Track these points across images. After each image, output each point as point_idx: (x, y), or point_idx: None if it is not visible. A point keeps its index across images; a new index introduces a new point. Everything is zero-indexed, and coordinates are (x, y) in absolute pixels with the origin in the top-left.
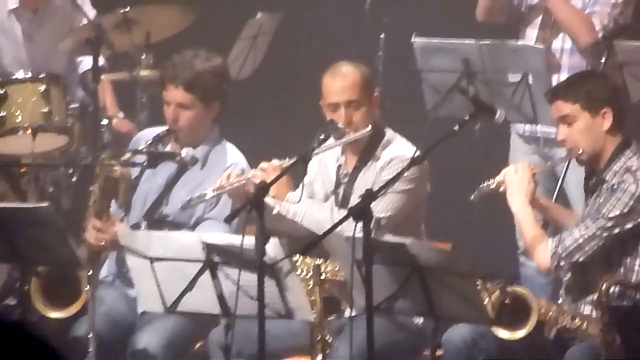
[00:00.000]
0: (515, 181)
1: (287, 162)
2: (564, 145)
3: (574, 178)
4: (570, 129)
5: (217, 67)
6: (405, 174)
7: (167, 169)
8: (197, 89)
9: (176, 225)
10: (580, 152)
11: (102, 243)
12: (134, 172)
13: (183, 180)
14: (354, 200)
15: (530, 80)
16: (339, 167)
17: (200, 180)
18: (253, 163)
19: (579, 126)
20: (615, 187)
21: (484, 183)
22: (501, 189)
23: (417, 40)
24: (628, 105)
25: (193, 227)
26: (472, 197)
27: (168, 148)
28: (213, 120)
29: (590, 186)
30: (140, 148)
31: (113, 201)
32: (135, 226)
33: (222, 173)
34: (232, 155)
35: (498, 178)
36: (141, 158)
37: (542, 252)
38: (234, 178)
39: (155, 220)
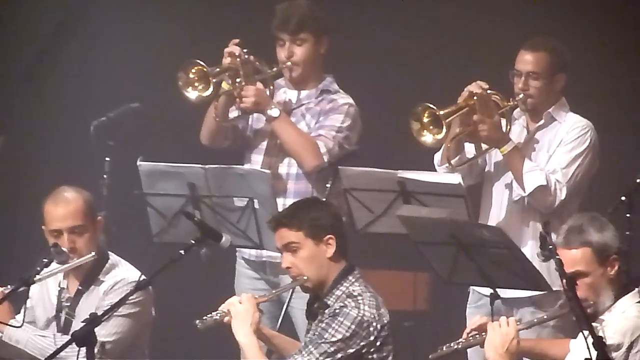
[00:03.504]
0: (239, 311)
1: (8, 288)
2: (289, 272)
3: (299, 303)
4: (294, 256)
5: None
6: (130, 298)
7: None
8: None
9: None
10: (305, 279)
11: None
12: None
13: None
14: (77, 324)
15: (256, 205)
16: (61, 290)
17: None
18: None
19: (303, 254)
20: (337, 311)
21: (209, 314)
22: (226, 319)
23: (142, 164)
24: (353, 231)
25: None
26: (197, 325)
27: None
28: None
29: (313, 311)
30: None
31: None
32: None
33: None
34: None
35: (222, 308)
36: None
37: None
38: None
39: None
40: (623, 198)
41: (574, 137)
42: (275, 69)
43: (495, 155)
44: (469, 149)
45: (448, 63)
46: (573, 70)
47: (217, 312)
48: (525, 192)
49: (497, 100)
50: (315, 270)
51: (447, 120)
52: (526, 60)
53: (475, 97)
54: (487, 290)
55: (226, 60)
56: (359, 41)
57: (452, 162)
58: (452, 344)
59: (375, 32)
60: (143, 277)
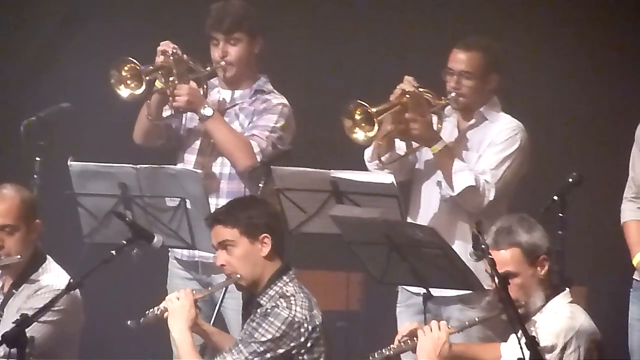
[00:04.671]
0: (176, 307)
1: None
2: (224, 270)
3: (232, 304)
4: (229, 254)
5: None
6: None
7: None
8: None
9: None
10: (238, 277)
11: None
12: None
13: None
14: (5, 322)
15: (189, 205)
16: None
17: None
18: None
19: (238, 252)
20: (268, 311)
21: (149, 310)
22: (165, 315)
23: (73, 164)
24: (286, 231)
25: None
26: (137, 323)
27: None
28: None
29: (246, 310)
30: None
31: None
32: None
33: None
34: None
35: (162, 305)
36: None
37: None
38: None
39: None
40: (555, 197)
41: (504, 138)
42: (209, 69)
43: (426, 153)
44: (400, 146)
45: (381, 62)
46: (506, 68)
47: (158, 307)
48: (454, 192)
49: (429, 99)
50: (249, 268)
51: (379, 118)
52: (459, 59)
53: (407, 95)
54: (416, 289)
55: (159, 59)
56: (293, 41)
57: (383, 159)
58: (383, 350)
59: (309, 32)
60: (71, 280)
